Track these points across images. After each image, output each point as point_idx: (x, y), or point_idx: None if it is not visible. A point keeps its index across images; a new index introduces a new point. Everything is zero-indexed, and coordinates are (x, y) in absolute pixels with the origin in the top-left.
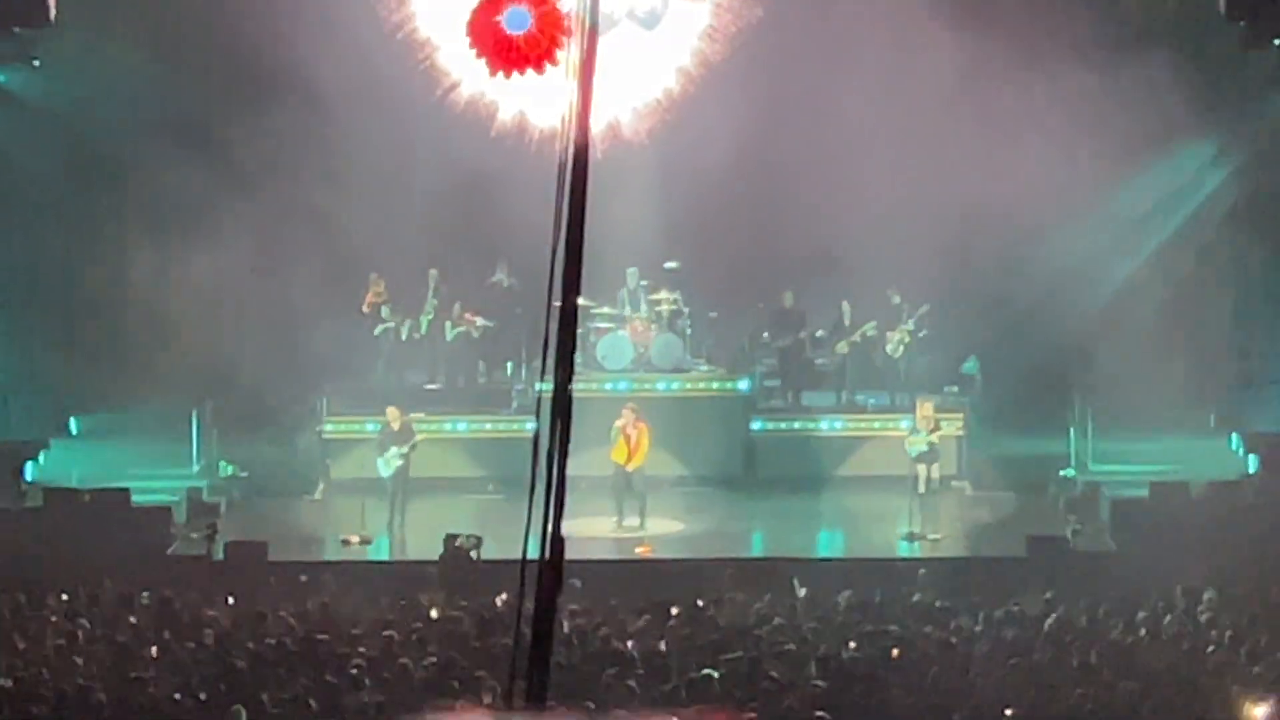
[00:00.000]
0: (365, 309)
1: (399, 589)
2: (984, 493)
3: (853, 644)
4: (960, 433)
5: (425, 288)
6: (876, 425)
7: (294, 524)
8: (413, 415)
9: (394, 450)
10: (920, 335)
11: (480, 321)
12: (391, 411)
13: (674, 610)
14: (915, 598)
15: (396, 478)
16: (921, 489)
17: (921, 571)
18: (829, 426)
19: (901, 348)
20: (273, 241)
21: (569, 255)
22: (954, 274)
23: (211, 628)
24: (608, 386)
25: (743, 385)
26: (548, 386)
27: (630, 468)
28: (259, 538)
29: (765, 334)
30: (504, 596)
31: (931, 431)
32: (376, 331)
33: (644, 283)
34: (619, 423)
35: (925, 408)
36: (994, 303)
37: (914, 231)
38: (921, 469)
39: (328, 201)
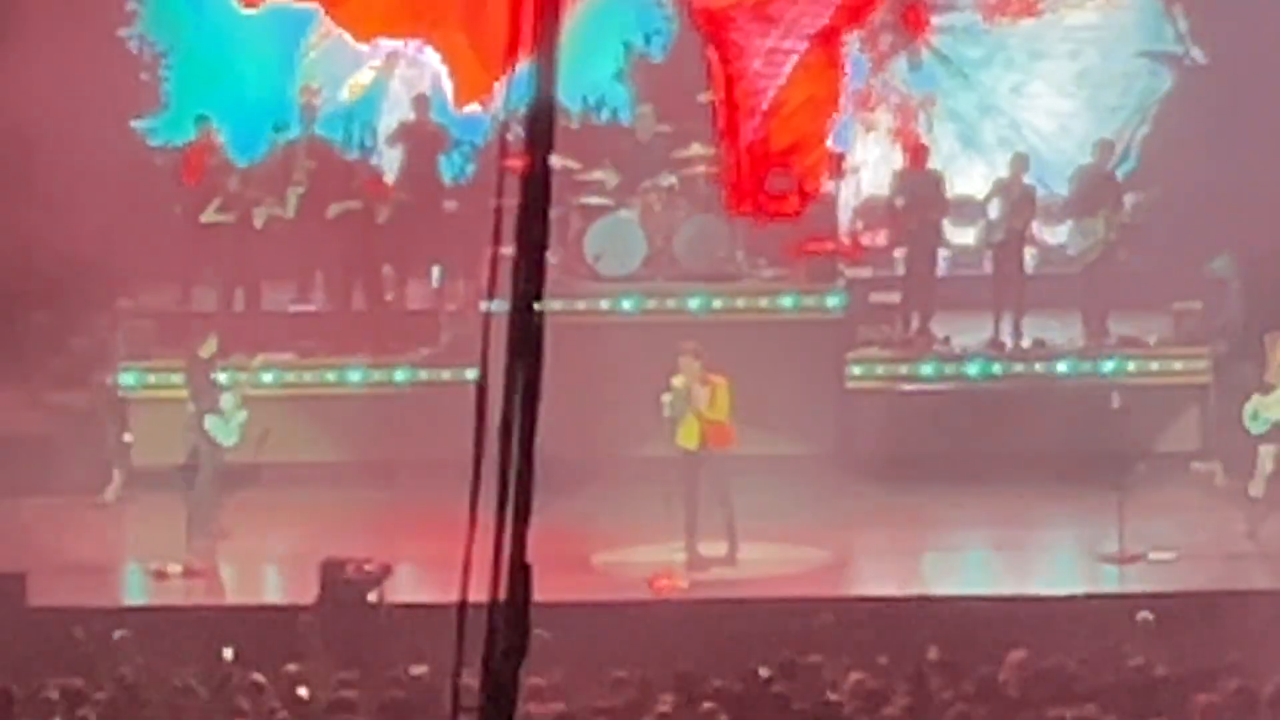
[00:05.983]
0: (188, 178)
1: (250, 653)
2: (1245, 481)
3: None
4: (1206, 379)
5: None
6: (1063, 368)
7: (70, 543)
8: (271, 356)
9: (230, 399)
10: (1127, 225)
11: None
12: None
13: (716, 684)
14: (1132, 661)
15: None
16: (1258, 489)
17: (1143, 615)
18: (986, 372)
19: (1098, 246)
20: (24, 55)
21: (537, 77)
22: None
23: None
24: (603, 305)
25: (832, 301)
26: (501, 307)
27: (704, 452)
28: (12, 567)
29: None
30: (425, 668)
31: None
32: (206, 216)
33: (664, 128)
34: (679, 381)
35: None
36: (1257, 160)
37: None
38: (1266, 453)
39: None
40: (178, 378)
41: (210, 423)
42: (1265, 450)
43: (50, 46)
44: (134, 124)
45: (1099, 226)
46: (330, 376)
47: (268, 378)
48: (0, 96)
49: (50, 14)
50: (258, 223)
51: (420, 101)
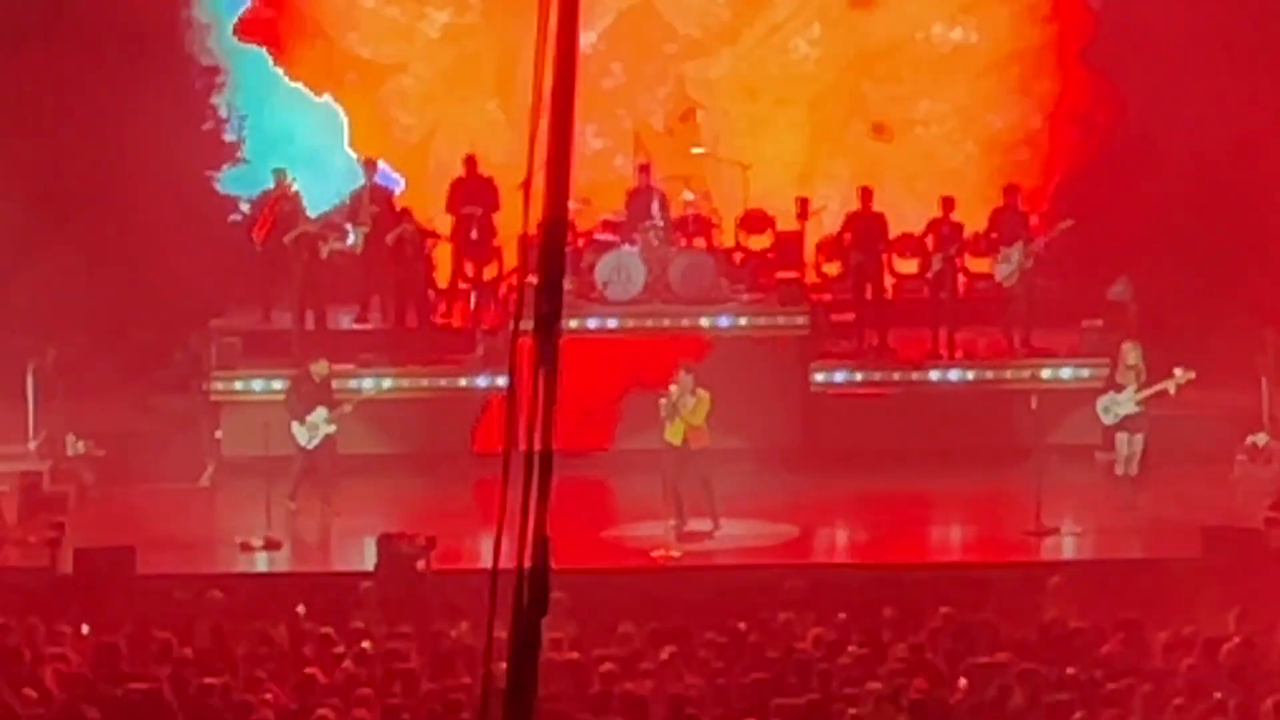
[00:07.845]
0: (266, 220)
1: (319, 611)
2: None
3: (961, 681)
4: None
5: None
6: (990, 375)
7: (171, 522)
8: (338, 367)
9: (321, 413)
10: (1042, 255)
11: (436, 226)
12: (319, 363)
13: (704, 636)
14: (1047, 616)
15: (318, 454)
16: (1121, 469)
17: (1054, 580)
18: (926, 378)
19: (1016, 273)
20: (135, 118)
21: (555, 136)
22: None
23: (57, 667)
24: (611, 324)
25: (798, 320)
26: (527, 325)
27: (686, 448)
28: (122, 541)
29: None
30: (465, 624)
31: (1142, 387)
32: (286, 239)
33: (663, 177)
34: (674, 390)
35: (1133, 353)
36: (1150, 203)
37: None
38: (1122, 440)
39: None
40: (258, 384)
41: (296, 428)
42: (1121, 437)
43: (151, 109)
44: (220, 174)
45: (1016, 256)
46: (386, 384)
47: (333, 384)
48: (118, 154)
49: (155, 82)
50: (324, 255)
51: (470, 161)
